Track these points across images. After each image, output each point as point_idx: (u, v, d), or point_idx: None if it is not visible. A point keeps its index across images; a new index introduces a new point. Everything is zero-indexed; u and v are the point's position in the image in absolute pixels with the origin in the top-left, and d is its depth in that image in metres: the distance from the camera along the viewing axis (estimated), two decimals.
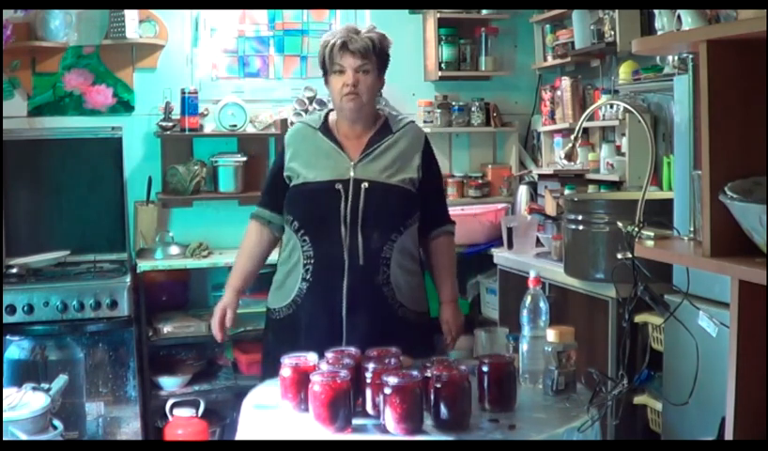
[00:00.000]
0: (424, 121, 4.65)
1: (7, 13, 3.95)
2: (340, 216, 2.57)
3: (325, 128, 2.70)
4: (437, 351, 2.70)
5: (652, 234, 1.91)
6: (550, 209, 4.02)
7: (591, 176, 4.15)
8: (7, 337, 3.57)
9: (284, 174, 2.68)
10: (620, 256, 1.92)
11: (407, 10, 4.68)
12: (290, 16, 4.67)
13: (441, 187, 2.91)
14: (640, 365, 2.90)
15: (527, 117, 4.91)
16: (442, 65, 4.62)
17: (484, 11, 4.66)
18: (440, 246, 2.81)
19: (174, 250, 4.19)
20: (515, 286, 3.71)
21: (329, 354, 2.15)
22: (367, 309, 2.57)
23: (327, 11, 4.71)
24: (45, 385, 2.61)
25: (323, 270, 2.59)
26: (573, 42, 4.28)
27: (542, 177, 4.56)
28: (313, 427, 1.97)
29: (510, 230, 4.11)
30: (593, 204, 3.26)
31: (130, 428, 3.77)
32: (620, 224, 1.96)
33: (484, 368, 2.09)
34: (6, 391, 2.56)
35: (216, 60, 4.54)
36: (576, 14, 4.18)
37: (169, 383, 4.04)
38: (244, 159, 4.35)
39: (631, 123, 3.76)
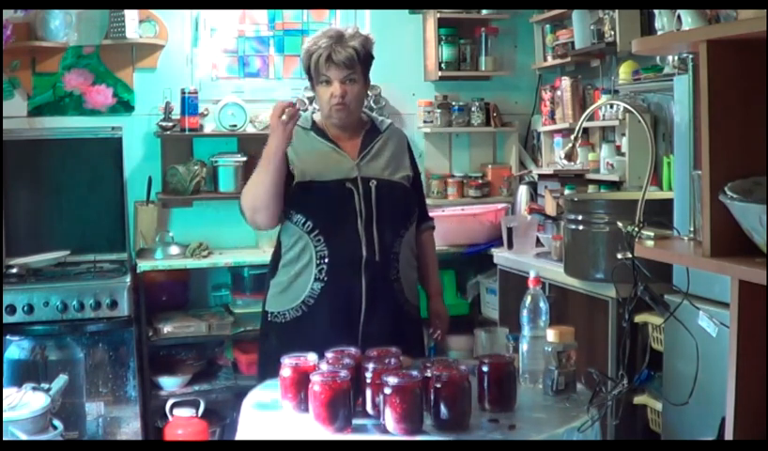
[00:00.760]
0: (424, 121, 4.66)
1: (7, 13, 3.94)
2: (356, 213, 2.58)
3: (316, 128, 2.70)
4: (437, 350, 2.71)
5: (652, 234, 1.91)
6: (550, 209, 4.02)
7: (591, 176, 4.15)
8: (7, 337, 3.57)
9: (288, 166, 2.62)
10: (620, 256, 1.92)
11: (407, 10, 4.68)
12: (290, 16, 4.67)
13: (422, 185, 2.97)
14: (640, 365, 2.90)
15: (527, 117, 4.91)
16: (442, 65, 4.62)
17: (484, 11, 4.66)
18: (427, 241, 2.89)
19: (174, 250, 4.19)
20: (515, 286, 3.71)
21: (329, 354, 2.15)
22: (383, 305, 2.60)
23: (327, 11, 4.71)
24: (45, 385, 2.61)
25: (340, 268, 2.58)
26: (573, 42, 4.28)
27: (542, 177, 4.56)
28: (313, 427, 1.97)
29: (510, 230, 4.11)
30: (593, 204, 3.26)
31: (130, 428, 3.77)
32: (620, 224, 1.97)
33: (484, 368, 2.09)
34: (6, 391, 2.56)
35: (216, 60, 4.55)
36: (576, 14, 4.18)
37: (169, 383, 4.04)
38: (244, 159, 4.35)
39: (631, 123, 3.76)
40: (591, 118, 4.01)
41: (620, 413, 2.70)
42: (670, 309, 2.06)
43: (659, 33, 3.10)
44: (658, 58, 3.60)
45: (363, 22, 4.55)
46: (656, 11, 3.18)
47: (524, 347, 2.28)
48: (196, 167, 4.29)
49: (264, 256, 4.01)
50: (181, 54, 4.41)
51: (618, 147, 4.01)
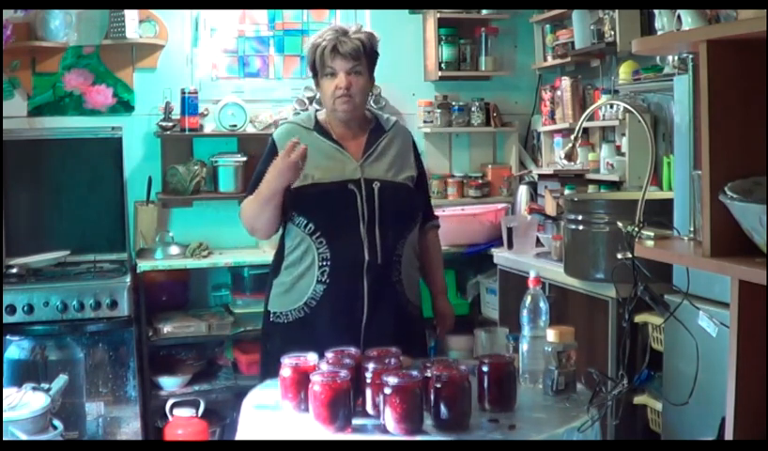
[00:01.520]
0: (424, 121, 4.65)
1: (8, 13, 3.95)
2: (359, 216, 2.56)
3: (320, 128, 2.68)
4: (437, 350, 2.71)
5: (652, 234, 1.91)
6: (550, 209, 4.03)
7: (591, 176, 4.15)
8: (7, 337, 3.57)
9: None
10: (620, 256, 1.92)
11: (407, 10, 4.68)
12: (290, 16, 4.67)
13: (428, 183, 2.95)
14: (640, 365, 2.90)
15: (527, 117, 4.91)
16: (442, 65, 4.62)
17: (484, 11, 4.66)
18: (431, 240, 2.87)
19: (174, 250, 4.19)
20: (515, 286, 3.71)
21: (329, 354, 2.15)
22: (385, 307, 2.59)
23: (327, 11, 4.72)
24: (45, 385, 2.61)
25: (342, 271, 2.57)
26: (573, 42, 4.28)
27: (542, 177, 4.56)
28: (313, 427, 1.97)
29: (510, 230, 4.11)
30: (593, 204, 3.26)
31: (130, 428, 3.77)
32: (620, 224, 1.96)
33: (484, 368, 2.09)
34: (6, 391, 2.56)
35: (216, 60, 4.55)
36: (576, 14, 4.18)
37: (169, 383, 4.04)
38: (244, 159, 4.35)
39: (631, 123, 3.76)
40: (591, 118, 4.01)
41: (620, 413, 2.70)
42: (670, 309, 2.06)
43: (659, 33, 3.10)
44: (658, 58, 3.60)
45: (363, 22, 4.54)
46: (656, 11, 3.18)
47: (524, 347, 2.28)
48: (196, 167, 4.29)
49: (264, 256, 4.02)
50: (181, 54, 4.41)
51: (618, 147, 4.01)
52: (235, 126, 4.36)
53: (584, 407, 2.04)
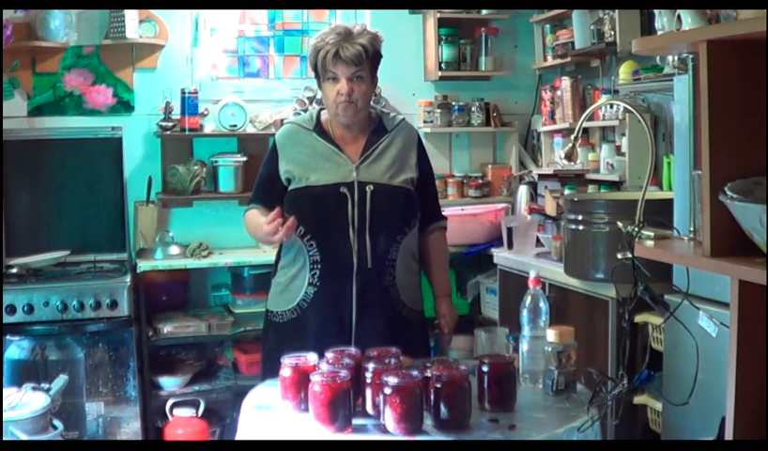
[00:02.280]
0: (424, 121, 4.65)
1: (8, 13, 3.95)
2: (348, 220, 2.55)
3: (320, 129, 2.68)
4: (437, 349, 2.70)
5: (652, 234, 1.91)
6: (550, 209, 4.03)
7: (591, 176, 4.15)
8: (7, 337, 3.57)
9: (282, 175, 2.64)
10: (620, 256, 1.92)
11: (406, 10, 4.68)
12: (290, 16, 4.67)
13: (434, 183, 2.90)
14: (640, 365, 2.89)
15: (527, 117, 4.91)
16: (442, 65, 4.62)
17: (484, 11, 4.66)
18: (436, 241, 2.82)
19: (174, 250, 4.19)
20: (515, 286, 3.71)
21: (329, 354, 2.15)
22: (375, 312, 2.58)
23: (327, 11, 4.72)
24: (45, 385, 2.62)
25: (331, 274, 2.57)
26: (573, 42, 4.28)
27: (542, 177, 4.56)
28: (313, 427, 1.97)
29: (510, 230, 4.10)
30: (593, 204, 3.25)
31: (130, 428, 3.77)
32: (620, 224, 1.96)
33: (484, 368, 2.09)
34: (6, 391, 2.56)
35: (216, 60, 4.55)
36: (575, 14, 4.18)
37: (169, 383, 4.04)
38: (244, 159, 4.35)
39: (631, 123, 3.76)
40: (591, 118, 4.01)
41: (620, 413, 2.69)
42: (670, 309, 2.06)
43: (659, 33, 3.09)
44: (658, 58, 3.60)
45: (363, 22, 4.54)
46: (656, 11, 3.17)
47: (524, 347, 2.28)
48: (196, 167, 4.29)
49: (264, 256, 4.03)
50: (181, 54, 4.41)
51: (618, 148, 4.01)
52: (235, 126, 4.36)
53: (584, 407, 2.04)
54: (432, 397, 1.97)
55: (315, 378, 1.97)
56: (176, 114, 4.28)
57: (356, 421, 2.01)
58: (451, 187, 4.71)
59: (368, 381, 2.03)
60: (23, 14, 4.02)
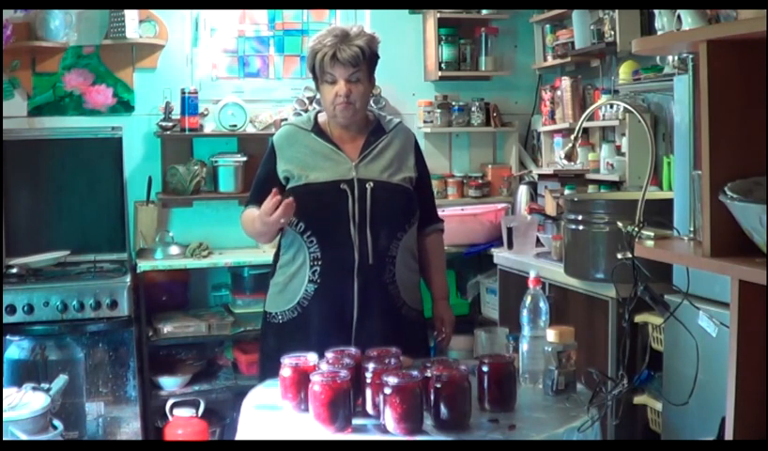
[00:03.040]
0: (424, 121, 4.65)
1: (8, 13, 3.94)
2: (349, 216, 2.56)
3: (318, 130, 2.69)
4: (437, 349, 2.70)
5: (652, 234, 1.91)
6: (550, 209, 4.03)
7: (591, 176, 4.15)
8: (7, 337, 3.57)
9: (281, 175, 2.64)
10: (620, 256, 1.92)
11: (406, 10, 4.68)
12: (290, 16, 4.67)
13: (431, 185, 2.91)
14: (640, 365, 2.89)
15: (527, 117, 4.91)
16: (442, 65, 4.62)
17: (484, 11, 4.66)
18: (433, 243, 2.83)
19: (174, 250, 4.19)
20: (515, 286, 3.71)
21: (329, 354, 2.15)
22: (377, 308, 2.58)
23: (327, 11, 4.72)
24: (45, 385, 2.62)
25: (332, 271, 2.58)
26: (573, 42, 4.28)
27: (542, 177, 4.56)
28: (313, 427, 1.97)
29: (510, 230, 4.11)
30: (593, 204, 3.25)
31: (130, 428, 3.77)
32: (620, 224, 1.96)
33: (484, 368, 2.09)
34: (6, 391, 2.56)
35: (216, 60, 4.55)
36: (575, 14, 4.18)
37: (169, 383, 4.04)
38: (244, 159, 4.35)
39: (631, 123, 3.76)
40: (591, 118, 4.01)
41: (620, 413, 2.69)
42: (670, 309, 2.06)
43: (659, 33, 3.09)
44: (658, 58, 3.60)
45: (363, 22, 4.55)
46: (656, 11, 3.17)
47: (524, 347, 2.28)
48: (196, 167, 4.29)
49: (264, 256, 4.03)
50: (181, 54, 4.41)
51: (618, 148, 4.01)
52: (235, 126, 4.36)
53: (584, 407, 2.04)
54: (432, 397, 1.97)
55: (315, 378, 1.97)
56: (176, 114, 4.28)
57: (356, 421, 2.01)
58: (451, 187, 4.71)
59: (368, 380, 2.03)
60: (22, 14, 4.02)
